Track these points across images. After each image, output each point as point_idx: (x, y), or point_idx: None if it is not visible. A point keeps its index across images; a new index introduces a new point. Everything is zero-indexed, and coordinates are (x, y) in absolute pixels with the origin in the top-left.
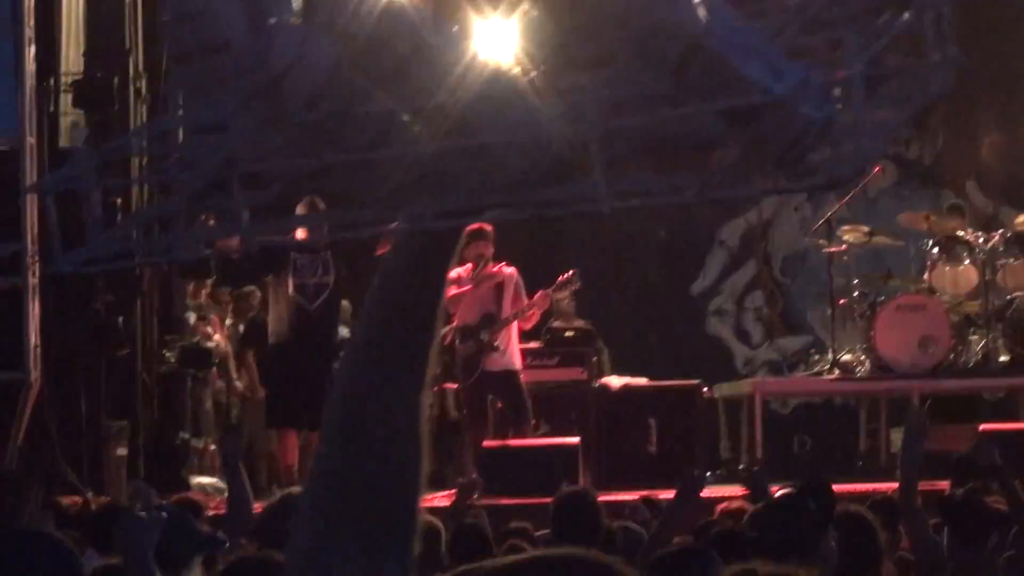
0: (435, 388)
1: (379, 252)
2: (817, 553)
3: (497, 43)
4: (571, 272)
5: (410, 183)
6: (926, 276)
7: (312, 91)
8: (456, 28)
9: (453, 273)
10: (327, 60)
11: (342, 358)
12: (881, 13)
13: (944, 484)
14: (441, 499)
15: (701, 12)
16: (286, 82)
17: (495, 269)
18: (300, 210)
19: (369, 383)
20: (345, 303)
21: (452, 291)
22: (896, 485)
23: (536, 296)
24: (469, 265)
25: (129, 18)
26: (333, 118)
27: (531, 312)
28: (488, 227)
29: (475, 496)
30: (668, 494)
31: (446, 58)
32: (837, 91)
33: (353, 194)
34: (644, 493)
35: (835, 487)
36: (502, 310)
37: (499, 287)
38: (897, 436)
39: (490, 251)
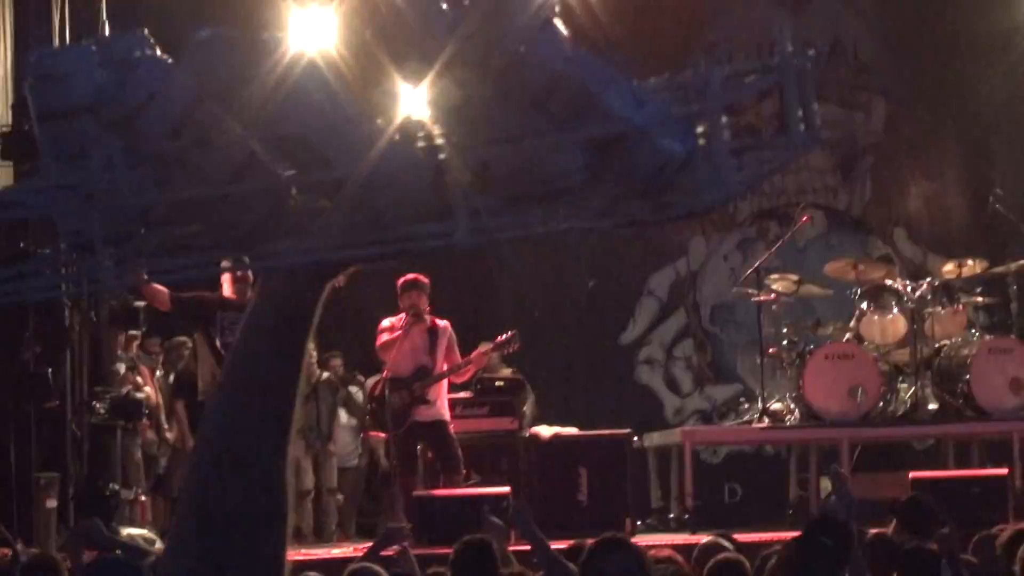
0: (363, 436)
1: None
2: None
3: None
4: (510, 333)
5: (271, 222)
6: (854, 325)
7: (170, 123)
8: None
9: (386, 322)
10: (187, 93)
11: (202, 416)
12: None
13: (873, 530)
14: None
15: (564, 46)
16: (143, 115)
17: (430, 322)
18: (224, 264)
19: (229, 436)
20: None
21: (384, 338)
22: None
23: (473, 354)
24: (402, 316)
25: None
26: (194, 152)
27: (468, 369)
28: (423, 278)
29: (402, 543)
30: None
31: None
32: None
33: (213, 232)
34: (573, 542)
35: (765, 536)
36: (435, 362)
37: (432, 339)
38: (827, 483)
39: (424, 302)
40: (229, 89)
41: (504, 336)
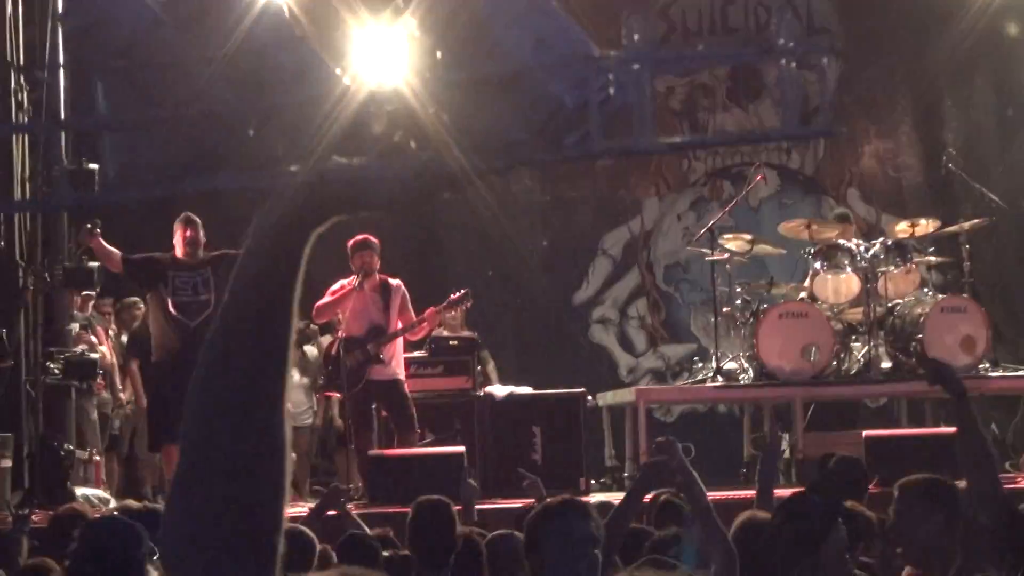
0: (318, 397)
1: None
2: (828, 543)
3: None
4: (463, 291)
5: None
6: (808, 284)
7: (119, 43)
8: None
9: (337, 284)
10: (140, 16)
11: (196, 370)
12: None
13: None
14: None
15: None
16: (93, 32)
17: (381, 280)
18: (176, 227)
19: (221, 396)
20: None
21: (324, 300)
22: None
23: (426, 313)
24: (353, 277)
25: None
26: (146, 73)
27: (422, 328)
28: (373, 239)
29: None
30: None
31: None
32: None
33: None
34: (529, 501)
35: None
36: (389, 321)
37: (385, 298)
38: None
39: (375, 262)
40: (191, 19)
41: (457, 294)
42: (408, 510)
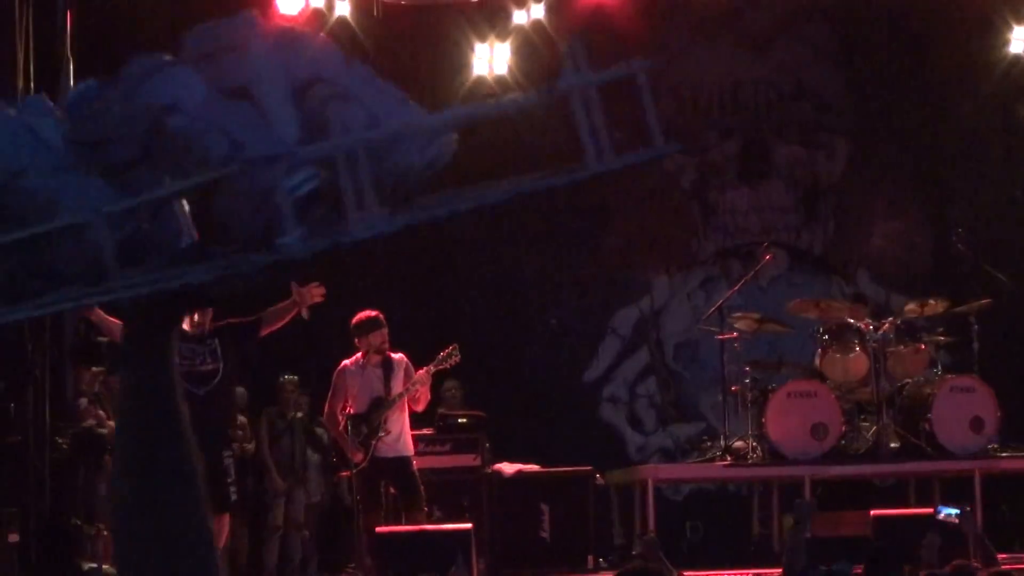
0: (335, 479)
1: (263, 334)
2: None
3: None
4: (450, 347)
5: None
6: (817, 363)
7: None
8: None
9: (348, 360)
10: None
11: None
12: None
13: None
14: None
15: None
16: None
17: (385, 356)
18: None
19: (136, 497)
20: (241, 390)
21: (344, 378)
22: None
23: (418, 373)
24: (358, 356)
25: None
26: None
27: (419, 391)
28: (381, 315)
29: None
30: None
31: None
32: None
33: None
34: None
35: (727, 574)
36: (391, 394)
37: (387, 372)
38: (789, 521)
39: (385, 339)
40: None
41: (444, 351)
42: None
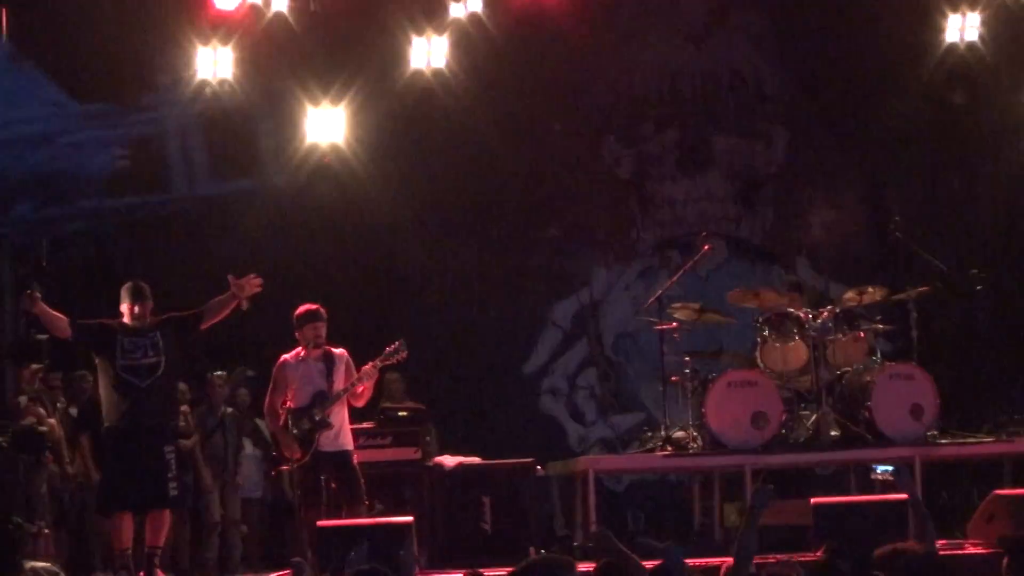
0: (273, 473)
1: (204, 327)
2: None
3: None
4: (397, 342)
5: None
6: (756, 352)
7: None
8: None
9: (288, 354)
10: None
11: None
12: None
13: (773, 558)
14: None
15: None
16: None
17: (326, 350)
18: (124, 298)
19: None
20: (182, 385)
21: (284, 372)
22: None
23: (364, 368)
24: (299, 350)
25: None
26: None
27: (362, 387)
28: (322, 309)
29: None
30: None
31: None
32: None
33: None
34: (478, 570)
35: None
36: (333, 388)
37: (329, 366)
38: (730, 510)
39: (324, 332)
40: None
41: (391, 346)
42: None
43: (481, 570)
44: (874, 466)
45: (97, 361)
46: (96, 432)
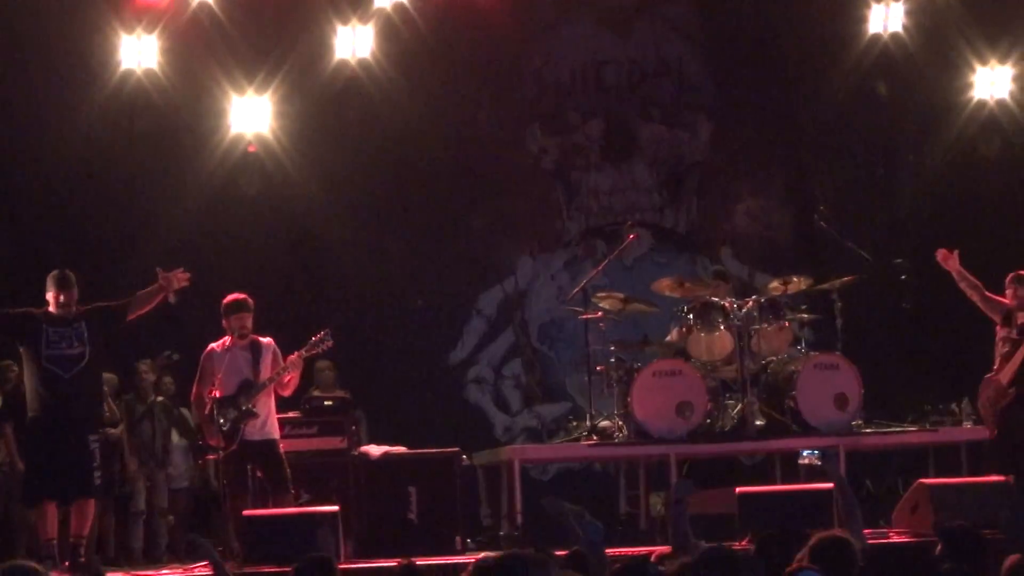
0: (200, 462)
1: (130, 318)
2: None
3: None
4: (322, 332)
5: None
6: (675, 336)
7: None
8: None
9: (216, 343)
10: None
11: None
12: None
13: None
14: (202, 569)
15: None
16: None
17: (252, 339)
18: (49, 286)
19: None
20: (110, 375)
21: (212, 361)
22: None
23: (290, 358)
24: (226, 339)
25: None
26: None
27: (288, 376)
28: (248, 299)
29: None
30: (428, 561)
31: None
32: None
33: None
34: (401, 560)
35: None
36: (259, 377)
37: (256, 355)
38: (656, 500)
39: (249, 322)
40: None
41: (316, 336)
42: (284, 570)
43: (413, 559)
44: (801, 450)
45: (21, 350)
46: (21, 422)
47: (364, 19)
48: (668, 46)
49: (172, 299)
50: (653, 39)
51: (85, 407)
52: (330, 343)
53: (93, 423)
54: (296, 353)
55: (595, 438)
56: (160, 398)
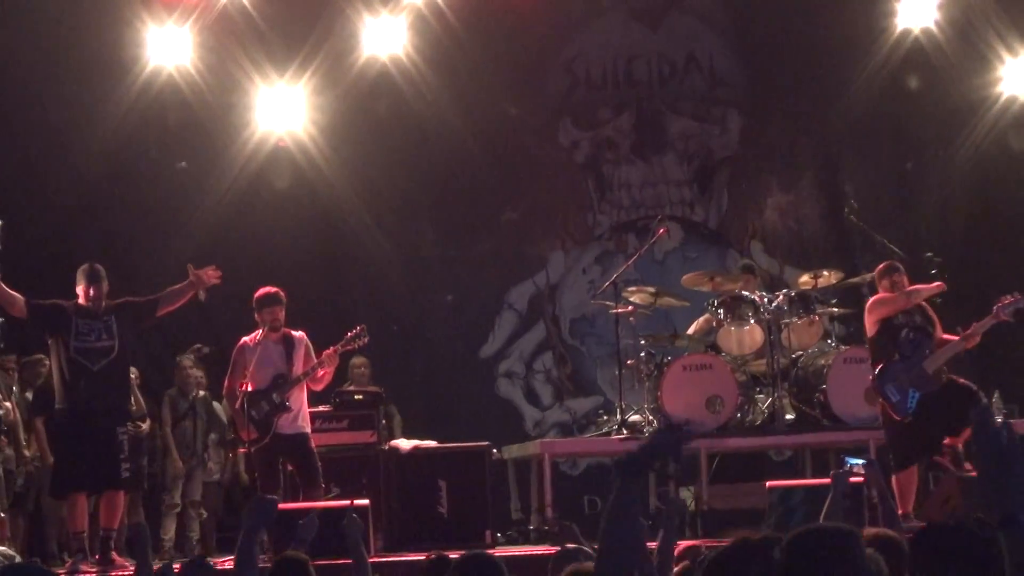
0: (231, 455)
1: (159, 314)
2: None
3: None
4: (358, 328)
5: None
6: (696, 328)
7: None
8: None
9: (248, 337)
10: None
11: None
12: None
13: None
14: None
15: None
16: None
17: (285, 333)
18: (80, 280)
19: None
20: (134, 370)
21: (244, 354)
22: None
23: (326, 352)
24: (258, 332)
25: None
26: None
27: (322, 372)
28: (281, 292)
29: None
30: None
31: None
32: None
33: None
34: (433, 553)
35: None
36: (292, 371)
37: (288, 348)
38: (686, 494)
39: (282, 315)
40: None
41: (352, 332)
42: (315, 563)
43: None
44: (846, 459)
45: (50, 342)
46: (50, 416)
47: (394, 12)
48: (698, 40)
49: (203, 297)
50: (684, 33)
51: (113, 400)
52: (366, 339)
53: (121, 415)
54: (332, 348)
55: (626, 432)
56: (203, 393)
